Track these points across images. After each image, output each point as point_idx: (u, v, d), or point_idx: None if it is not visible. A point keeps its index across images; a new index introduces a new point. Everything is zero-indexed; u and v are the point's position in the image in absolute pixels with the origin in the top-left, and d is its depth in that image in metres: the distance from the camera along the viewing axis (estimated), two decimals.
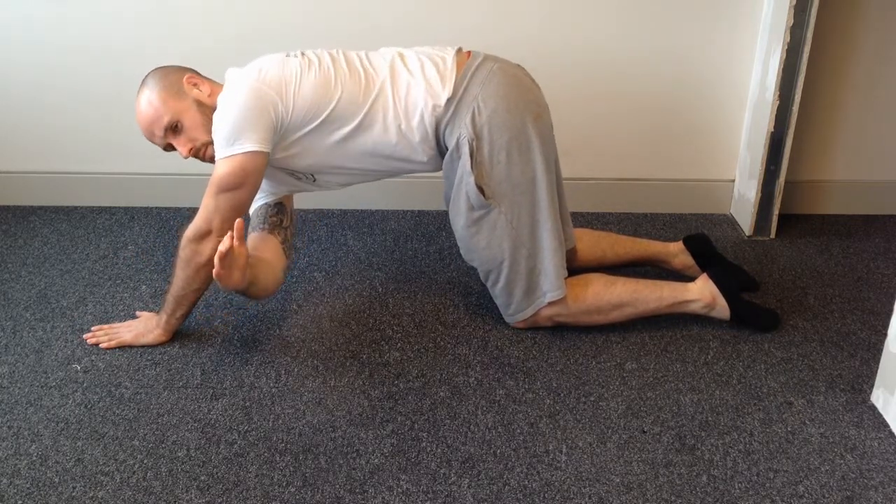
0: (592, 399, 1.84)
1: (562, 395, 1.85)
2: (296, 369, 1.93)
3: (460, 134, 1.86)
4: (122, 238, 2.50)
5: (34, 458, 1.67)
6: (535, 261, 1.93)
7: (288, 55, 1.88)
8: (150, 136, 1.90)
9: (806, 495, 1.59)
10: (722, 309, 2.02)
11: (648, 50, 2.46)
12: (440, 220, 2.58)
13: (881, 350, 1.83)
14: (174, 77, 1.90)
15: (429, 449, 1.70)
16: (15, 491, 1.60)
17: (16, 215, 2.63)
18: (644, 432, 1.74)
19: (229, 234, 1.65)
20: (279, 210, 2.05)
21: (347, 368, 1.93)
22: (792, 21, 2.25)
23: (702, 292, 2.02)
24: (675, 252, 2.21)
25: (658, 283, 2.02)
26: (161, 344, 2.00)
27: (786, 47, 2.28)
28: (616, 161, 2.62)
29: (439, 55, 1.92)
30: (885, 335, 1.82)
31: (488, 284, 2.02)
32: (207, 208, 1.82)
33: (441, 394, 1.85)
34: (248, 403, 1.82)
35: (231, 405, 1.82)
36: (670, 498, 1.59)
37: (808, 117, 2.49)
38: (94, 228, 2.56)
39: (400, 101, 1.87)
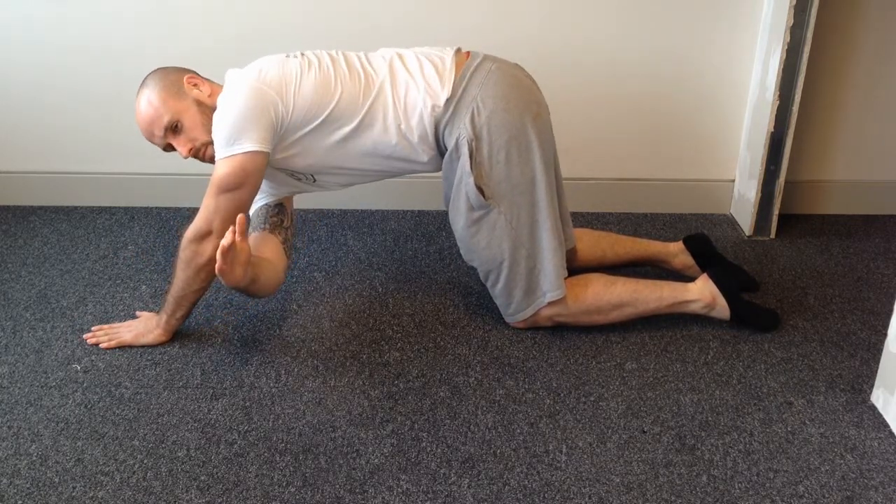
0: (592, 399, 1.84)
1: (562, 395, 1.85)
2: (296, 369, 1.93)
3: (459, 134, 1.86)
4: (122, 238, 2.50)
5: (34, 458, 1.67)
6: (535, 261, 1.93)
7: (288, 56, 1.88)
8: (150, 137, 1.90)
9: (806, 495, 1.59)
10: (722, 309, 2.02)
11: (648, 50, 2.46)
12: (440, 220, 2.58)
13: (881, 350, 1.83)
14: (174, 77, 1.90)
15: (429, 449, 1.70)
16: (15, 491, 1.60)
17: (16, 215, 2.63)
18: (644, 432, 1.74)
19: (231, 229, 1.65)
20: (280, 210, 2.05)
21: (347, 368, 1.93)
22: (792, 21, 2.25)
23: (702, 292, 2.02)
24: (675, 252, 2.21)
25: (658, 283, 2.02)
26: (161, 344, 2.00)
27: (786, 47, 2.28)
28: (616, 161, 2.62)
29: (438, 55, 1.92)
30: (885, 335, 1.82)
31: (488, 285, 2.02)
32: (208, 209, 1.82)
33: (441, 394, 1.85)
34: (248, 403, 1.82)
35: (231, 405, 1.82)
36: (670, 498, 1.59)
37: (808, 117, 2.49)
38: (94, 228, 2.56)
39: (399, 101, 1.87)
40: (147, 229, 2.55)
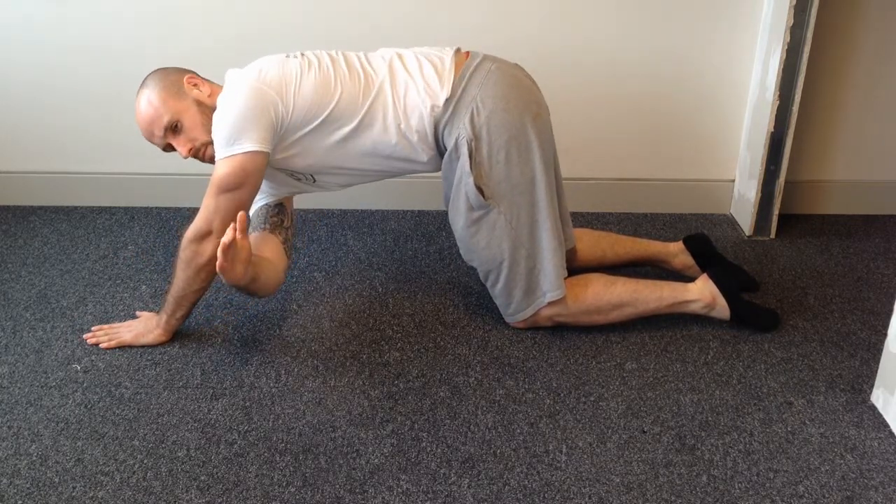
0: (592, 399, 1.84)
1: (562, 395, 1.85)
2: (296, 369, 1.93)
3: (459, 134, 1.86)
4: (122, 238, 2.50)
5: (34, 458, 1.67)
6: (535, 261, 1.93)
7: (288, 56, 1.88)
8: (150, 137, 1.90)
9: (806, 495, 1.59)
10: (722, 309, 2.02)
11: (648, 50, 2.46)
12: (440, 220, 2.58)
13: (881, 350, 1.83)
14: (174, 77, 1.90)
15: (429, 449, 1.70)
16: (15, 491, 1.60)
17: (16, 215, 2.63)
18: (644, 432, 1.74)
19: (232, 225, 1.64)
20: (280, 210, 2.05)
21: (347, 368, 1.93)
22: (792, 21, 2.25)
23: (702, 292, 2.02)
24: (675, 252, 2.21)
25: (658, 284, 2.02)
26: (161, 344, 2.00)
27: (786, 47, 2.28)
28: (616, 161, 2.62)
29: (438, 56, 1.92)
30: (885, 335, 1.82)
31: (488, 285, 2.02)
32: (208, 209, 1.82)
33: (441, 394, 1.85)
34: (248, 403, 1.82)
35: (231, 405, 1.82)
36: (670, 498, 1.59)
37: (808, 117, 2.49)
38: (94, 228, 2.56)
39: (399, 100, 1.87)
40: (147, 229, 2.55)
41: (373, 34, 2.40)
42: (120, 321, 2.08)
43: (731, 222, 2.62)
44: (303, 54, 1.89)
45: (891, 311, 1.84)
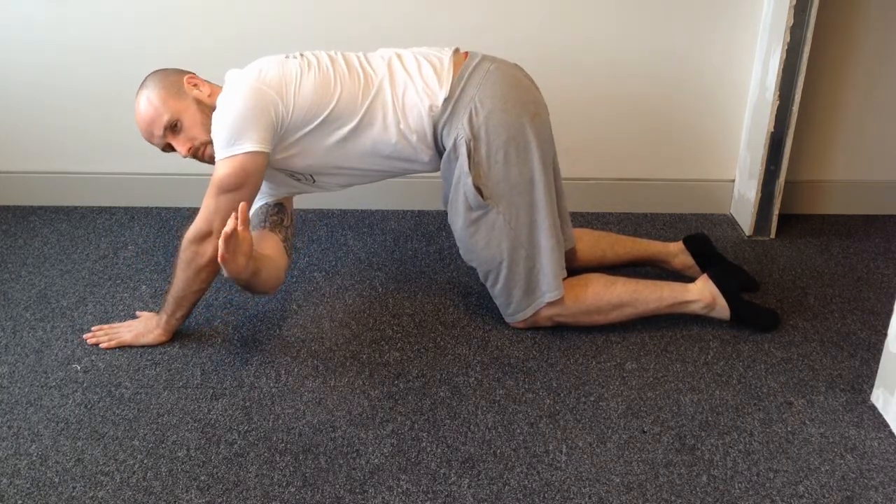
0: (592, 399, 1.84)
1: (562, 395, 1.85)
2: (296, 369, 1.93)
3: (458, 134, 1.86)
4: (122, 238, 2.50)
5: (34, 458, 1.67)
6: (534, 261, 1.93)
7: (287, 56, 1.88)
8: (149, 136, 1.90)
9: (806, 495, 1.59)
10: (722, 309, 2.02)
11: (648, 50, 2.46)
12: (440, 220, 2.58)
13: (881, 350, 1.83)
14: (174, 78, 1.90)
15: (429, 449, 1.70)
16: (15, 491, 1.60)
17: (16, 215, 2.63)
18: (644, 432, 1.74)
19: (233, 215, 1.64)
20: (279, 210, 2.05)
21: (347, 368, 1.93)
22: (792, 21, 2.25)
23: (702, 293, 2.02)
24: (675, 252, 2.21)
25: (658, 284, 2.02)
26: (161, 344, 2.00)
27: (786, 47, 2.28)
28: (616, 161, 2.62)
29: (436, 56, 1.92)
30: (885, 335, 1.82)
31: (487, 285, 2.02)
32: (208, 209, 1.82)
33: (441, 394, 1.85)
34: (248, 403, 1.82)
35: (231, 405, 1.82)
36: (670, 498, 1.59)
37: (808, 117, 2.49)
38: (94, 228, 2.56)
39: (398, 100, 1.87)
40: (147, 229, 2.55)
41: (373, 34, 2.40)
42: (120, 321, 2.08)
43: (731, 222, 2.62)
44: (302, 55, 1.89)
45: (891, 311, 1.84)
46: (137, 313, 2.11)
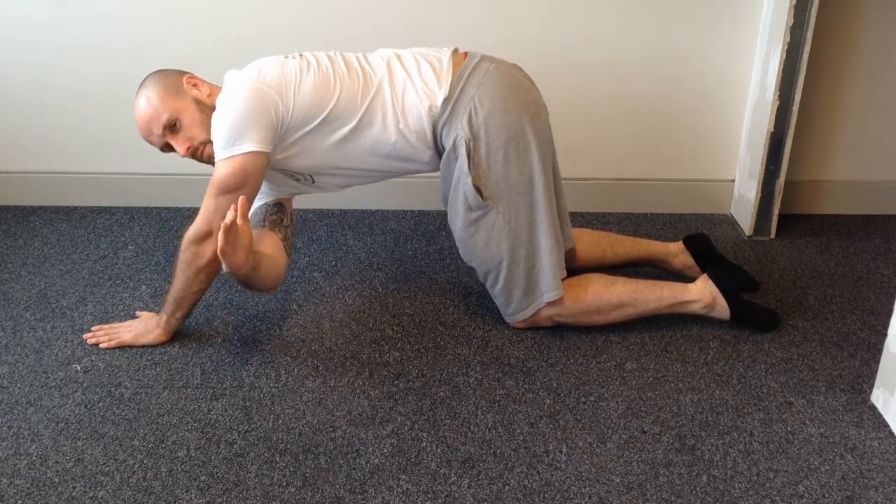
0: (592, 399, 1.84)
1: (562, 395, 1.85)
2: (296, 369, 1.93)
3: (457, 135, 1.86)
4: (122, 238, 2.50)
5: (34, 458, 1.67)
6: (534, 261, 1.93)
7: (286, 57, 1.88)
8: (148, 136, 1.90)
9: (806, 495, 1.59)
10: (722, 309, 2.02)
11: (648, 50, 2.46)
12: (440, 220, 2.58)
13: (881, 350, 1.83)
14: (173, 78, 1.90)
15: (429, 449, 1.70)
16: (15, 491, 1.60)
17: (16, 215, 2.63)
18: (644, 432, 1.74)
19: (232, 207, 1.63)
20: (279, 209, 2.05)
21: (347, 368, 1.93)
22: (792, 21, 2.25)
23: (702, 293, 2.02)
24: (675, 252, 2.21)
25: (658, 284, 2.02)
26: (161, 344, 2.00)
27: (786, 47, 2.28)
28: (616, 161, 2.62)
29: (436, 56, 1.92)
30: (885, 335, 1.82)
31: (487, 285, 2.02)
32: (208, 209, 1.82)
33: (441, 394, 1.85)
34: (248, 403, 1.82)
35: (231, 405, 1.82)
36: (670, 498, 1.59)
37: (808, 117, 2.49)
38: (94, 228, 2.56)
39: (398, 100, 1.87)
40: (147, 229, 2.55)
41: (373, 34, 2.40)
42: (120, 321, 2.08)
43: (731, 222, 2.62)
44: (301, 55, 1.89)
45: (891, 311, 1.84)
46: (137, 313, 2.11)
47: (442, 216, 2.49)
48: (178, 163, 2.10)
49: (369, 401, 1.83)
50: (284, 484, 1.61)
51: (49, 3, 2.42)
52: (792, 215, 2.61)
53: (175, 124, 1.86)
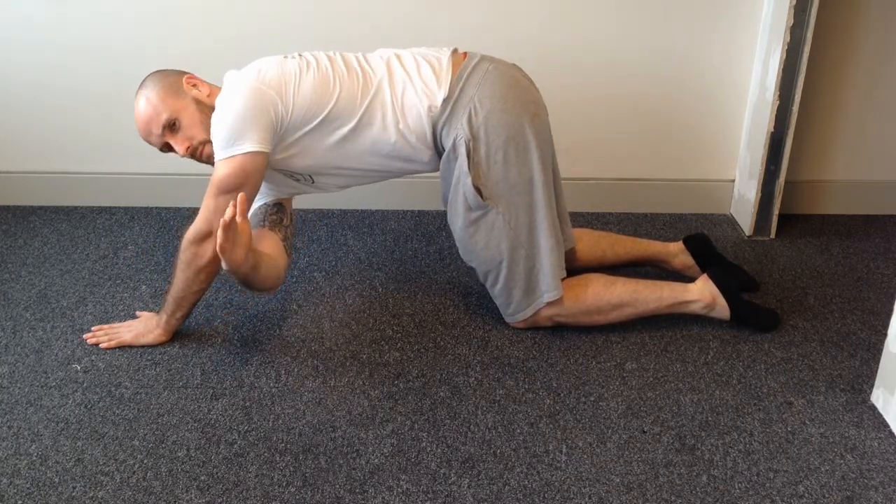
0: (592, 399, 1.84)
1: (562, 395, 1.85)
2: (296, 369, 1.93)
3: (457, 134, 1.86)
4: (122, 238, 2.50)
5: (34, 458, 1.68)
6: (534, 261, 1.93)
7: (286, 57, 1.88)
8: (147, 136, 1.90)
9: (806, 495, 1.59)
10: (722, 309, 2.02)
11: (648, 50, 2.46)
12: (440, 220, 2.58)
13: (881, 350, 1.83)
14: (173, 78, 1.90)
15: (429, 449, 1.70)
16: (15, 491, 1.60)
17: (16, 215, 2.63)
18: (644, 432, 1.74)
19: (231, 203, 1.63)
20: (279, 209, 2.05)
21: (347, 368, 1.93)
22: (792, 21, 2.25)
23: (702, 293, 2.02)
24: (675, 252, 2.21)
25: (658, 284, 2.02)
26: (161, 344, 2.00)
27: (786, 47, 2.28)
28: (616, 161, 2.62)
29: (435, 56, 1.92)
30: (885, 335, 1.82)
31: (487, 285, 2.02)
32: (208, 209, 1.82)
33: (441, 394, 1.85)
34: (248, 403, 1.82)
35: (231, 405, 1.82)
36: (670, 498, 1.59)
37: (808, 117, 2.49)
38: (94, 228, 2.56)
39: (397, 100, 1.87)
40: (147, 229, 2.55)
41: (373, 34, 2.40)
42: (120, 321, 2.08)
43: (731, 222, 2.62)
44: (300, 55, 1.89)
45: (891, 311, 1.84)
46: (137, 313, 2.11)
47: (442, 216, 2.49)
48: (178, 163, 2.10)
49: (369, 401, 1.83)
50: (284, 484, 1.61)
51: (49, 3, 2.42)
52: (792, 215, 2.61)
53: (174, 124, 1.86)
